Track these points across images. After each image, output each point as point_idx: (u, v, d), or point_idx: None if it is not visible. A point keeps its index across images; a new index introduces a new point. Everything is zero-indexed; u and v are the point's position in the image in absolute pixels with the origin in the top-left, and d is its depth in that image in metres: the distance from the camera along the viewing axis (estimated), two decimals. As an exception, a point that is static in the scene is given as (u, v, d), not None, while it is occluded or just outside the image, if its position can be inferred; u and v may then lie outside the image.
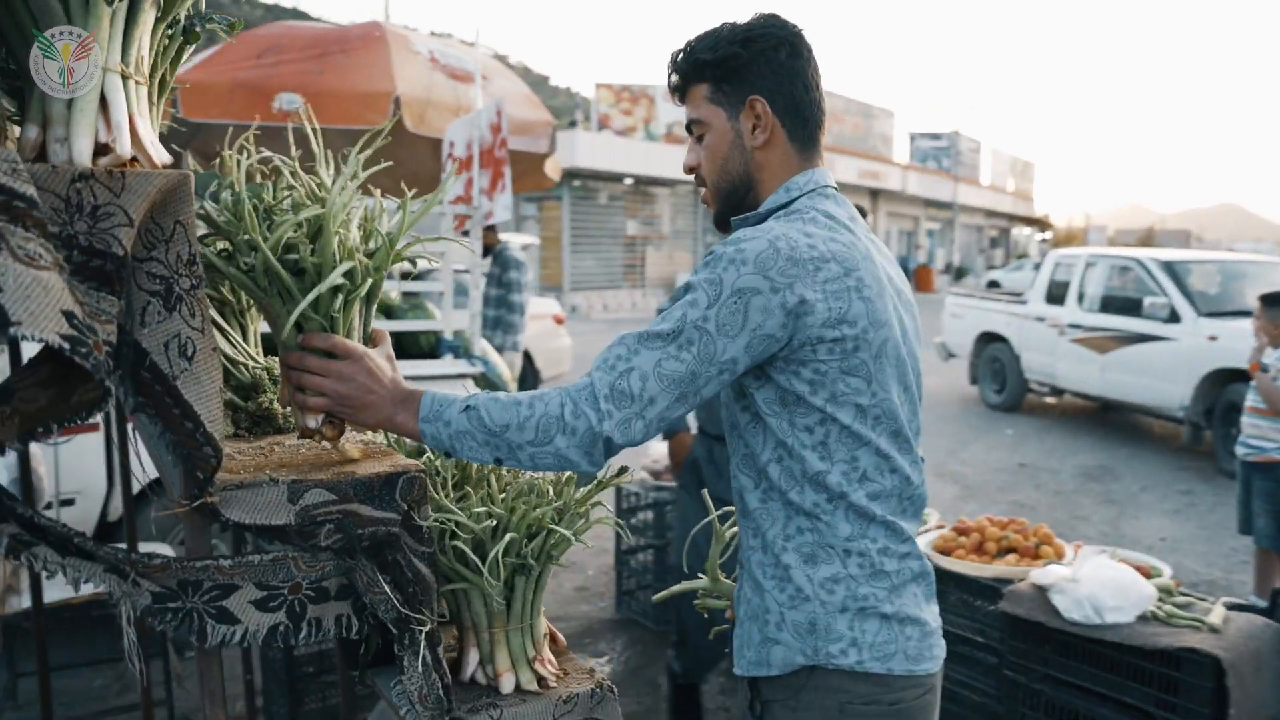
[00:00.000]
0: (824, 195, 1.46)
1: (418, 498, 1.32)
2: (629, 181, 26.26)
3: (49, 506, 3.21)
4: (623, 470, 1.54)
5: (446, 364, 4.86)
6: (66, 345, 0.99)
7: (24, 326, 0.96)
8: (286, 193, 1.31)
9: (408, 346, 5.15)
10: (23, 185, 1.02)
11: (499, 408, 1.29)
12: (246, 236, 1.20)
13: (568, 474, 1.56)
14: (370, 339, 1.42)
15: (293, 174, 1.35)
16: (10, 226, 0.99)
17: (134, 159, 1.15)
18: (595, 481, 1.54)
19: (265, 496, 1.21)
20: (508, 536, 1.36)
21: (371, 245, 1.32)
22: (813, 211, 1.41)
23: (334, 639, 1.37)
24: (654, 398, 1.26)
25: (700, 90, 1.47)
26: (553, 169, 6.96)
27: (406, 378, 4.01)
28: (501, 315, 6.47)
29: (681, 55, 1.48)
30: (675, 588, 1.73)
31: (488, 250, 6.45)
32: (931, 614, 1.43)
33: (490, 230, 6.38)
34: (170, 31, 1.46)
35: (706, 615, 1.76)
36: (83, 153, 1.10)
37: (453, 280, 5.08)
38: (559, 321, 10.40)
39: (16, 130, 1.15)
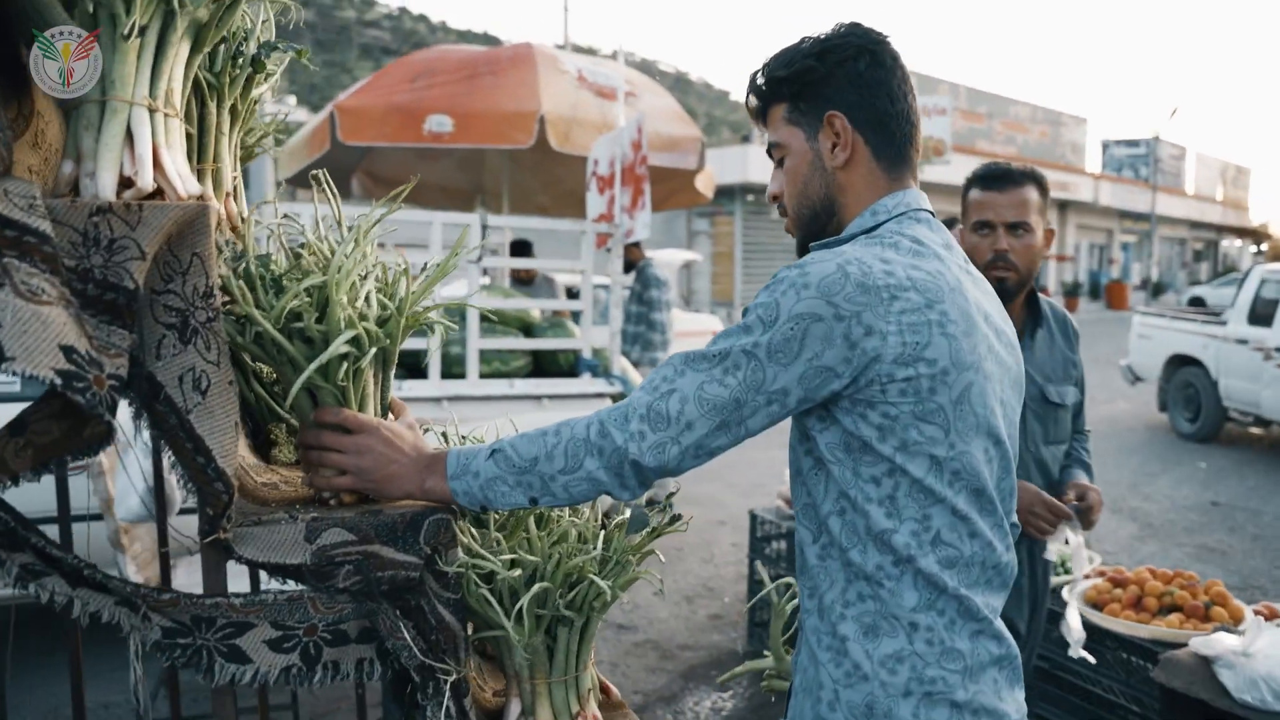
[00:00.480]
0: (915, 219, 1.31)
1: (445, 541, 1.26)
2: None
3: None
4: (675, 519, 1.43)
5: (584, 382, 4.87)
6: (59, 380, 0.98)
7: (18, 362, 0.96)
8: (312, 257, 1.28)
9: (547, 365, 5.20)
10: (37, 221, 1.03)
11: (525, 442, 1.22)
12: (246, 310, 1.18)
13: (619, 519, 1.46)
14: (390, 409, 1.38)
15: (308, 238, 1.32)
16: (16, 262, 1.00)
17: (159, 191, 1.14)
18: (650, 529, 1.44)
19: (281, 534, 1.18)
20: (537, 585, 1.27)
21: (384, 311, 1.27)
22: (897, 236, 1.26)
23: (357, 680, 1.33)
24: (692, 423, 1.16)
25: (778, 111, 1.36)
26: (705, 185, 6.88)
27: (544, 396, 3.99)
28: (642, 332, 6.45)
29: (758, 75, 1.38)
30: (737, 670, 1.61)
31: (630, 266, 6.46)
32: (1014, 703, 1.24)
33: (635, 247, 6.38)
34: (239, 60, 1.48)
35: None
36: (107, 186, 1.10)
37: (593, 297, 5.09)
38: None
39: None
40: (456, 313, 5.03)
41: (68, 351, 1.00)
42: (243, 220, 1.66)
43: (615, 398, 4.92)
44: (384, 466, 1.25)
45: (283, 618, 1.21)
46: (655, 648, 4.40)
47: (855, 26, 1.34)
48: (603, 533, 1.42)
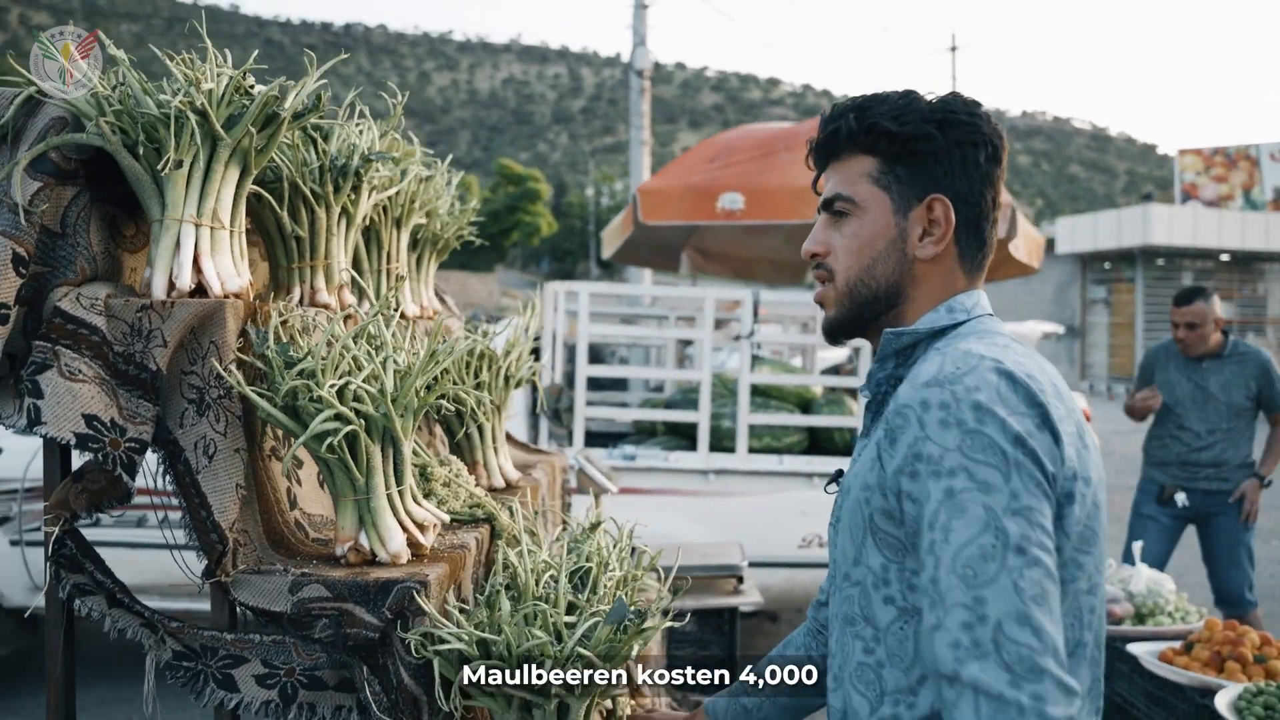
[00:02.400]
0: (994, 320, 1.21)
1: (410, 609, 1.36)
2: (1224, 258, 22.62)
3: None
4: (642, 624, 1.40)
5: (860, 460, 4.69)
6: (74, 439, 1.25)
7: (48, 426, 1.25)
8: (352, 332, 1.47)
9: (823, 441, 5.09)
10: (93, 318, 1.33)
11: None
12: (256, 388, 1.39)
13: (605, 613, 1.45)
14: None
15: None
16: (68, 350, 1.30)
17: (198, 289, 1.40)
18: (622, 626, 1.42)
19: (271, 584, 1.37)
20: (476, 664, 1.32)
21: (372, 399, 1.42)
22: (997, 336, 1.16)
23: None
24: None
25: (862, 164, 1.21)
26: (1029, 254, 6.33)
27: (815, 474, 4.18)
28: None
29: (851, 113, 1.21)
30: None
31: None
32: None
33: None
34: (345, 172, 1.74)
35: None
36: (158, 287, 1.38)
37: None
38: (1085, 418, 9.31)
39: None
40: (731, 385, 5.14)
41: (89, 419, 1.28)
42: (400, 312, 1.94)
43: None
44: None
45: (270, 657, 1.39)
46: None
47: (976, 105, 1.20)
48: (586, 621, 1.43)
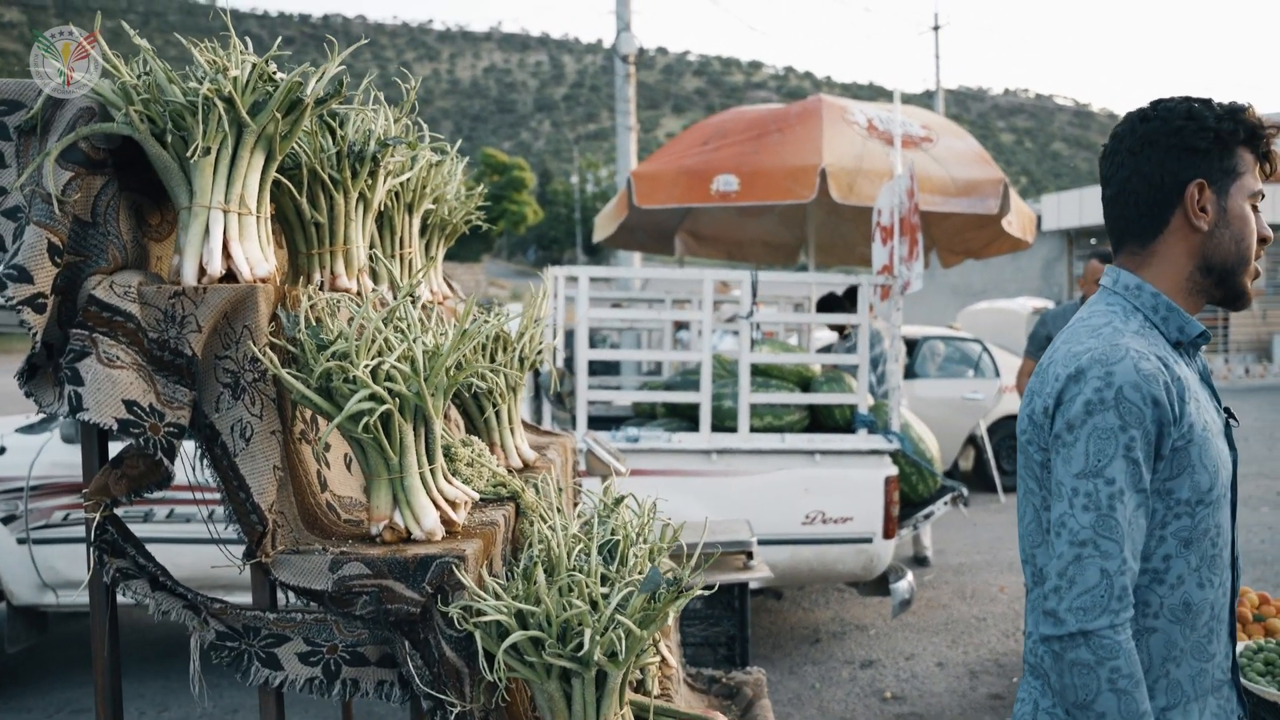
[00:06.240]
0: None
1: (450, 583, 1.39)
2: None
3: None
4: (680, 590, 1.43)
5: (859, 439, 4.75)
6: (115, 425, 1.27)
7: (89, 412, 1.27)
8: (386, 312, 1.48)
9: (823, 420, 5.14)
10: (128, 305, 1.34)
11: None
12: (290, 370, 1.40)
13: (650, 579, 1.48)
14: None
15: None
16: (105, 337, 1.32)
17: (227, 275, 1.42)
18: (655, 595, 1.45)
19: (311, 563, 1.39)
20: (515, 635, 1.35)
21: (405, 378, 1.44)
22: None
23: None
24: None
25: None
26: (1022, 229, 6.36)
27: (817, 452, 4.27)
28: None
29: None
30: None
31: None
32: None
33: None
34: (363, 158, 1.76)
35: None
36: (189, 274, 1.40)
37: (869, 354, 4.95)
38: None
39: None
40: (730, 366, 5.17)
41: (129, 404, 1.29)
42: (412, 297, 1.95)
43: (892, 455, 4.74)
44: None
45: (312, 635, 1.41)
46: (919, 721, 4.13)
47: None
48: (620, 591, 1.46)
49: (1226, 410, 1.47)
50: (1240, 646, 2.47)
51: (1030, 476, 1.41)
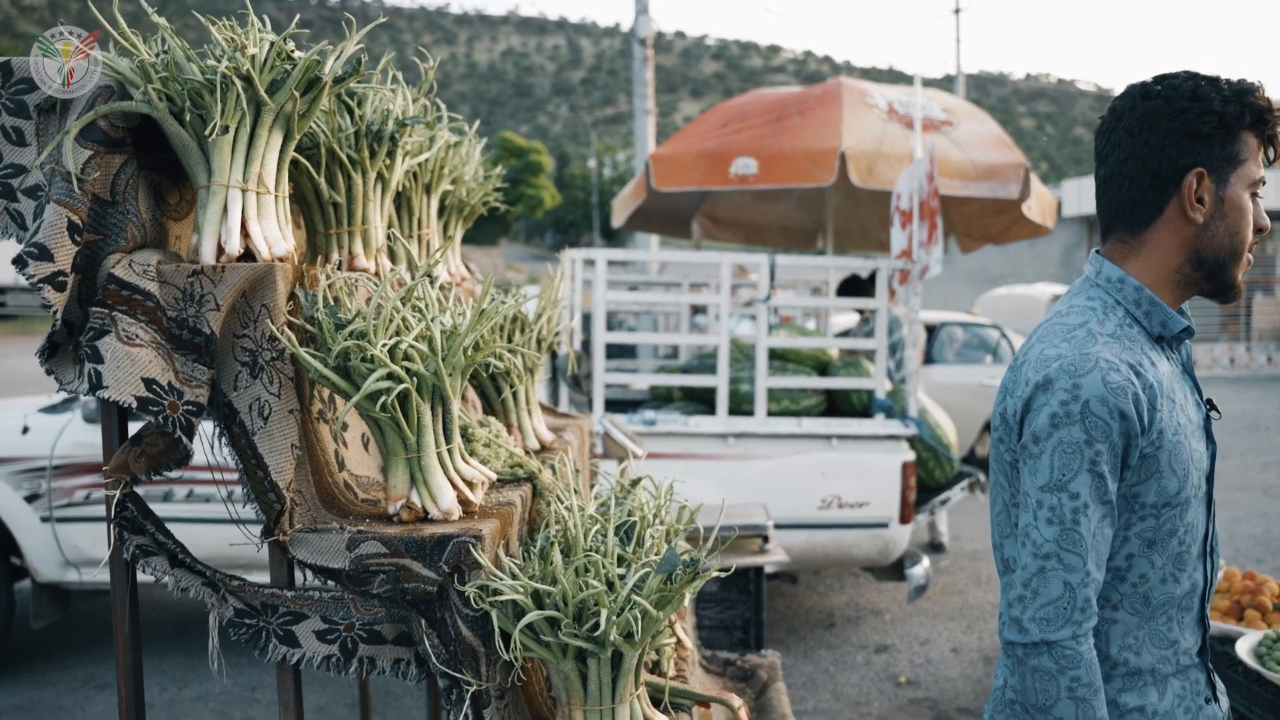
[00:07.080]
0: None
1: (466, 562, 1.39)
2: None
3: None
4: (696, 573, 1.42)
5: (876, 424, 4.74)
6: (134, 403, 1.27)
7: (109, 390, 1.28)
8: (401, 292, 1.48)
9: (840, 404, 5.12)
10: (146, 284, 1.35)
11: None
12: (308, 349, 1.40)
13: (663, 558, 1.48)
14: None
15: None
16: (124, 315, 1.32)
17: (246, 254, 1.42)
18: (672, 576, 1.45)
19: (329, 542, 1.40)
20: (531, 614, 1.35)
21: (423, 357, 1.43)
22: None
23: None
24: None
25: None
26: (1043, 214, 6.29)
27: (834, 436, 4.40)
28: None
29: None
30: None
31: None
32: None
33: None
34: (380, 137, 1.75)
35: None
36: (207, 252, 1.40)
37: (887, 339, 4.92)
38: None
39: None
40: (748, 350, 5.16)
41: (148, 383, 1.30)
42: (430, 277, 1.95)
43: (910, 440, 4.72)
44: None
45: (329, 613, 1.42)
46: (931, 706, 4.13)
47: None
48: (636, 571, 1.46)
49: (1209, 402, 1.44)
50: (1260, 636, 2.45)
51: (1000, 471, 1.41)
